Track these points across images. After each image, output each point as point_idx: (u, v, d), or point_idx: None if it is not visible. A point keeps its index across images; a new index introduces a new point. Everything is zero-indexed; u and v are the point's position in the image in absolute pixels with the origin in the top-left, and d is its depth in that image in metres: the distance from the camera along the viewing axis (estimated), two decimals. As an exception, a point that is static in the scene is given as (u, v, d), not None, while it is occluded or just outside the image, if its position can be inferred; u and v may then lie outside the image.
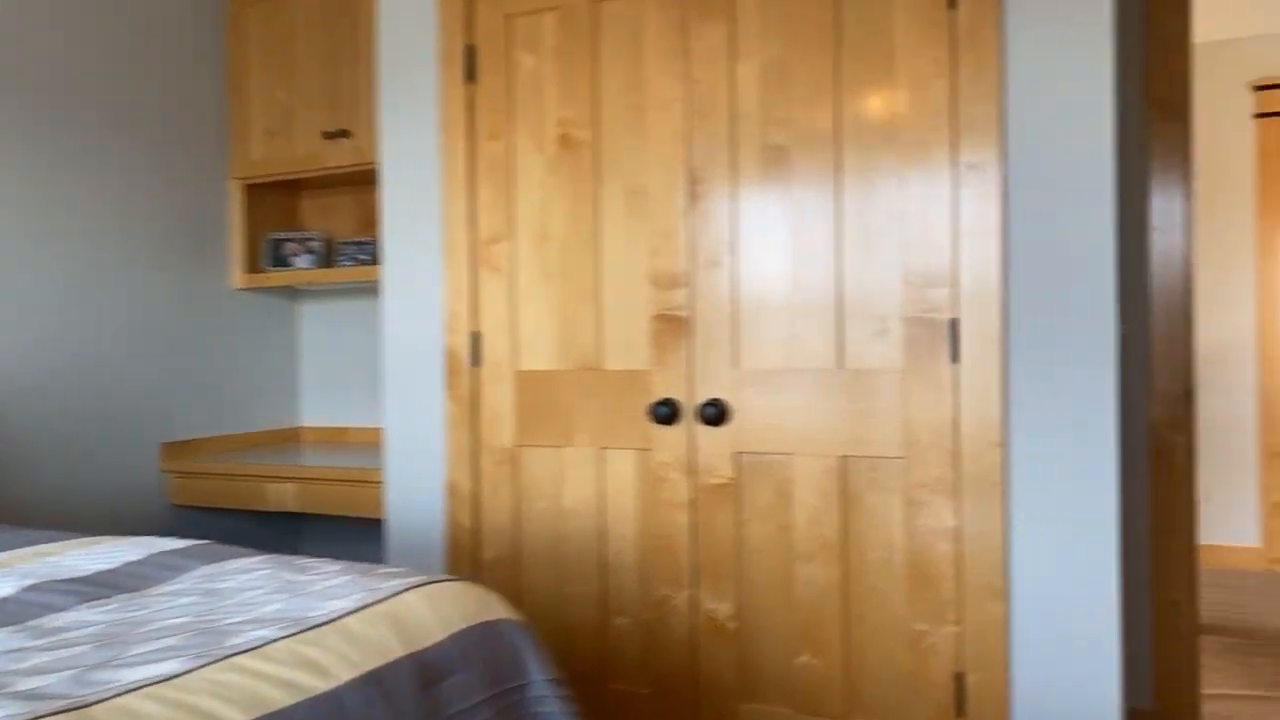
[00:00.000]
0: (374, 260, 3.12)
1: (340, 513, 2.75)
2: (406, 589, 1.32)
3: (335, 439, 3.40)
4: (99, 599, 1.32)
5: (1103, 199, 1.87)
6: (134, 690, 0.96)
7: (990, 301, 1.93)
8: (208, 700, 0.96)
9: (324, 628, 1.16)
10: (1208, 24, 4.51)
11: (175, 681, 0.99)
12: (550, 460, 2.33)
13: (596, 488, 2.28)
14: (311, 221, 3.41)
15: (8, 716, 0.87)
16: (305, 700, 1.02)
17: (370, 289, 3.31)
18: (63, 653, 1.09)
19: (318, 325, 3.44)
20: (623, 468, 2.25)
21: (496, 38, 2.38)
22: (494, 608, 1.39)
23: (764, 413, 2.11)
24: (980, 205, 1.93)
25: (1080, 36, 1.87)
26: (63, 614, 1.25)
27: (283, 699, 1.01)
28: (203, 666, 1.02)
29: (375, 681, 1.12)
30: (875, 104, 2.02)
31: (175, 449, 2.99)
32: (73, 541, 1.68)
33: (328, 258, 3.29)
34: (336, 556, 3.38)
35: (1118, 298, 1.89)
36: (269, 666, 1.05)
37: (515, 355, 2.37)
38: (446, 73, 2.42)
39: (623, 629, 2.26)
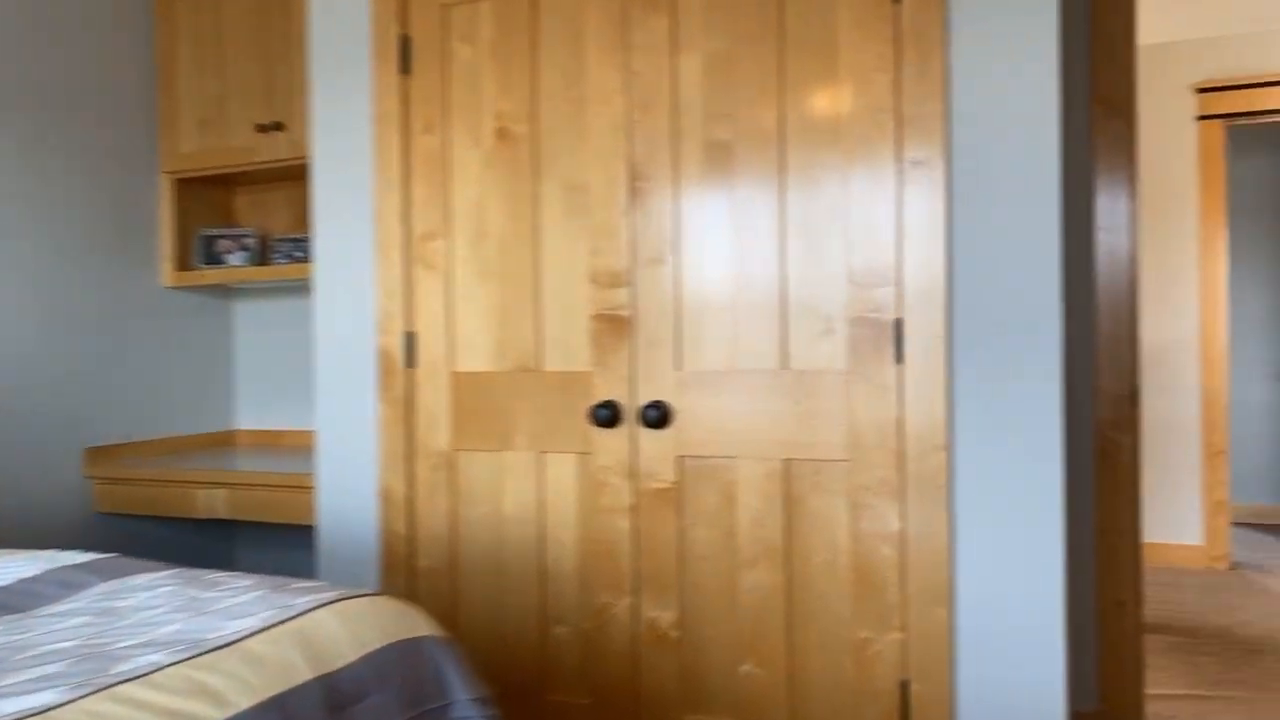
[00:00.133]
0: (310, 258, 3.02)
1: (273, 520, 2.65)
2: (319, 605, 1.25)
3: (272, 442, 3.29)
4: (-15, 620, 1.23)
5: (1048, 197, 1.84)
6: (1, 726, 0.87)
7: (935, 301, 1.89)
8: (84, 735, 0.88)
9: (223, 650, 1.08)
10: (1151, 26, 4.55)
11: (50, 714, 0.90)
12: (488, 464, 2.26)
13: (536, 493, 2.21)
14: (246, 217, 3.30)
15: None
16: (196, 732, 0.94)
17: (307, 287, 3.20)
18: (-69, 683, 1.00)
19: (253, 325, 3.33)
20: (562, 472, 2.19)
21: (432, 28, 2.30)
22: (415, 624, 1.32)
23: (707, 415, 2.06)
24: (925, 203, 1.90)
25: (1025, 33, 1.84)
26: (-58, 637, 1.16)
27: (170, 731, 0.93)
28: (82, 697, 0.94)
29: (278, 708, 1.04)
30: (819, 99, 1.97)
31: (99, 454, 2.87)
32: (-31, 555, 1.58)
33: (263, 255, 3.18)
34: (271, 565, 3.28)
35: (1063, 297, 1.86)
36: (157, 696, 0.97)
37: (451, 356, 2.29)
38: (380, 64, 2.34)
39: (562, 638, 2.19)
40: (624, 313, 2.12)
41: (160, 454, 3.05)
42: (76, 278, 2.83)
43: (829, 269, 1.97)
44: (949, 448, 1.89)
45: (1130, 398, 2.54)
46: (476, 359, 2.27)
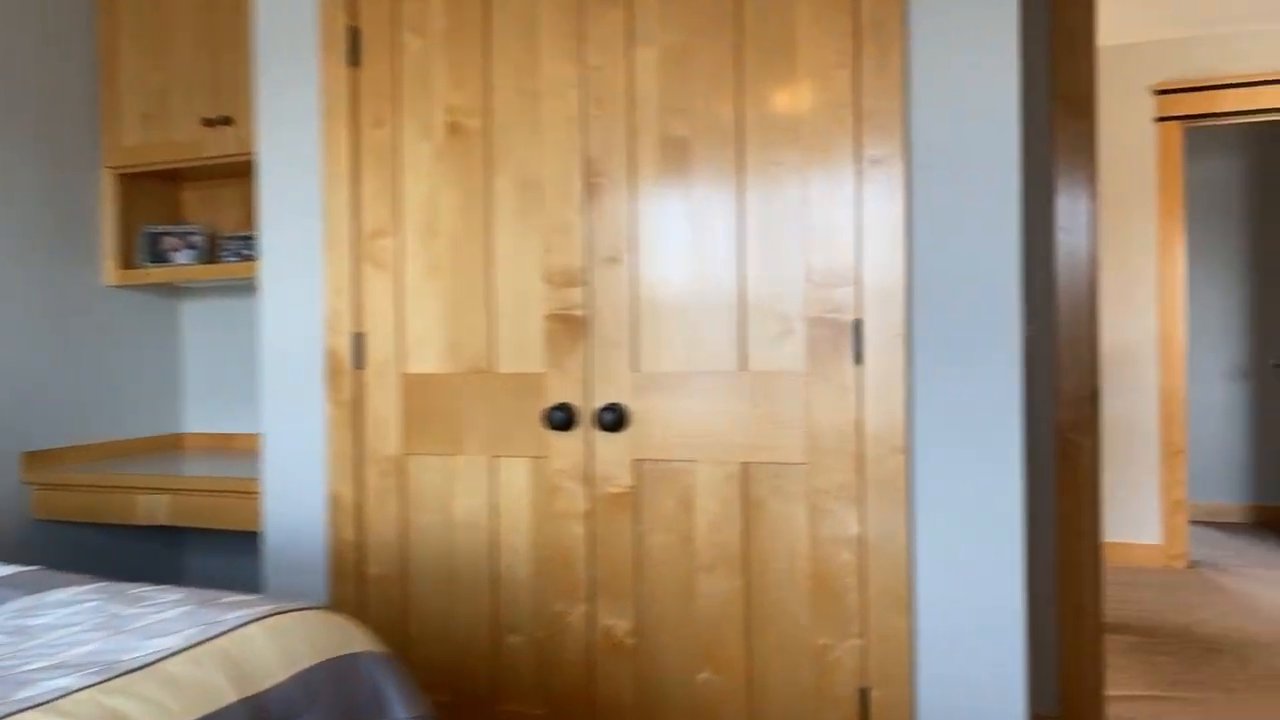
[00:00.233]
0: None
1: (218, 526, 2.56)
2: (249, 621, 1.18)
3: (221, 446, 3.20)
4: (-112, 640, 1.15)
5: (1008, 196, 1.81)
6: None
7: (894, 301, 1.85)
8: (-23, 769, 0.81)
9: (139, 672, 1.01)
10: (1110, 27, 4.57)
11: (-60, 747, 0.84)
12: (439, 469, 2.20)
13: (488, 498, 2.15)
14: (194, 214, 3.21)
15: None
16: (103, 762, 0.88)
17: (257, 287, 3.12)
18: None
19: (202, 325, 3.23)
20: (516, 477, 2.13)
21: (381, 19, 2.23)
22: (352, 638, 1.26)
23: (665, 418, 2.01)
24: (884, 202, 1.86)
25: (985, 29, 1.81)
26: None
27: (74, 763, 0.86)
28: (-22, 727, 0.87)
29: (197, 733, 0.98)
30: (778, 95, 1.93)
31: (38, 458, 2.77)
32: (-119, 569, 1.49)
33: (211, 253, 3.09)
34: (220, 572, 3.18)
35: (1023, 298, 1.83)
36: (62, 724, 0.90)
37: (401, 357, 2.22)
38: (328, 56, 2.27)
39: (516, 647, 2.14)
40: (579, 312, 2.07)
41: (103, 458, 2.95)
42: (15, 276, 2.72)
43: (788, 268, 1.93)
44: (908, 450, 1.86)
45: (1090, 399, 2.53)
46: (427, 360, 2.20)
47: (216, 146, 2.82)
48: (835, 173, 1.89)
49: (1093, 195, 2.52)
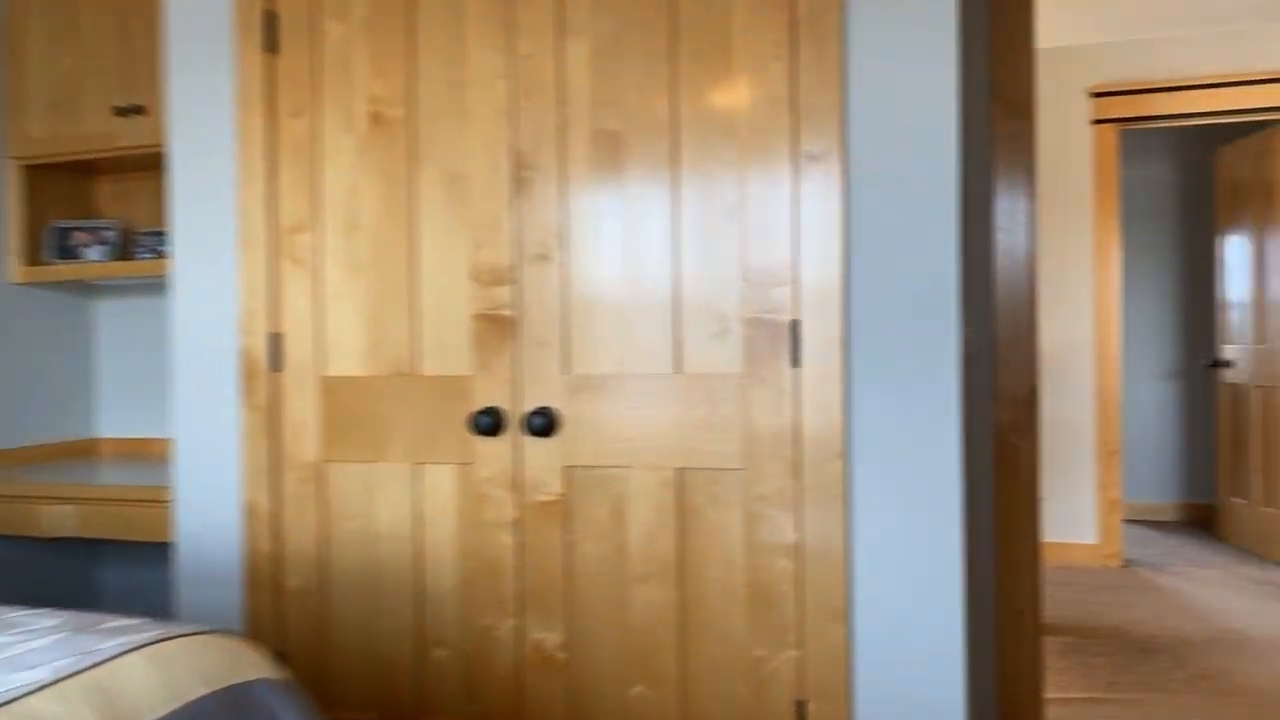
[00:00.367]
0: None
1: (129, 538, 2.43)
2: (129, 650, 1.08)
3: (137, 451, 3.05)
4: None
5: (947, 195, 1.77)
6: None
7: (832, 302, 1.80)
8: None
9: (-7, 712, 0.91)
10: (1048, 30, 4.60)
11: None
12: (361, 476, 2.09)
13: (412, 507, 2.06)
14: (109, 209, 3.05)
15: None
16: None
17: (173, 284, 2.97)
18: None
19: (116, 325, 3.08)
20: (441, 484, 2.03)
21: (300, 4, 2.12)
22: (246, 665, 1.16)
23: (597, 422, 1.93)
24: (822, 199, 1.81)
25: (925, 24, 1.77)
26: None
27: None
28: None
29: (59, 780, 0.88)
30: (713, 88, 1.87)
31: (-67, 466, 2.60)
32: None
33: (124, 249, 2.94)
34: (138, 585, 3.03)
35: (962, 298, 1.79)
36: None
37: (321, 359, 2.12)
38: (244, 42, 2.15)
39: (442, 662, 2.04)
40: (507, 312, 1.98)
41: (8, 465, 2.79)
42: (-95, 272, 2.55)
43: (724, 267, 1.87)
44: (846, 454, 1.81)
45: (1029, 400, 2.50)
46: (348, 362, 2.10)
47: (129, 137, 2.68)
48: (772, 169, 1.83)
49: (1032, 196, 2.50)
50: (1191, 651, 3.42)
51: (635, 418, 1.91)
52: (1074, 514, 4.84)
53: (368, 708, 2.09)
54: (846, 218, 1.81)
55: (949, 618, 1.76)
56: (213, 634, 1.18)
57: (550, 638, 1.96)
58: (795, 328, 1.83)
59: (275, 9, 2.13)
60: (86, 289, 3.07)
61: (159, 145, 2.65)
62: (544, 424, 1.92)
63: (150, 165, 2.88)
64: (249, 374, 2.15)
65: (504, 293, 1.98)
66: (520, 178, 1.97)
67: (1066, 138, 4.82)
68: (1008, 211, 2.51)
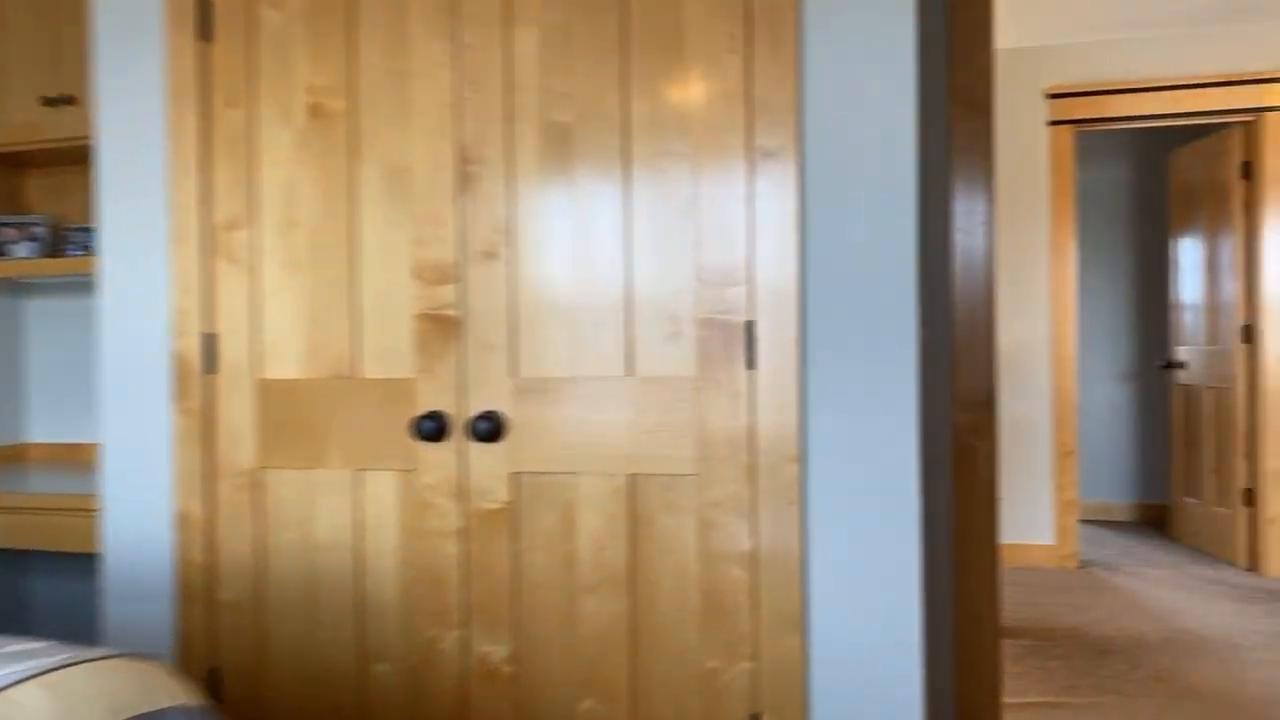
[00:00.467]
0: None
1: (58, 549, 2.31)
2: (25, 678, 0.99)
3: (68, 457, 2.92)
4: None
5: (905, 193, 1.72)
6: None
7: (787, 302, 1.75)
8: None
9: None
10: (1006, 31, 4.60)
11: None
12: (299, 484, 2.00)
13: (353, 515, 1.97)
14: (39, 204, 2.92)
15: None
16: None
17: (107, 283, 2.85)
18: None
19: (46, 325, 2.95)
20: (383, 492, 1.95)
21: (235, -12, 2.02)
22: (159, 691, 1.08)
23: (545, 427, 1.86)
24: (777, 197, 1.75)
25: (882, 17, 1.72)
26: None
27: None
28: None
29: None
30: (666, 80, 1.80)
31: None
32: None
33: (55, 246, 2.82)
34: (70, 598, 2.90)
35: (920, 299, 1.75)
36: None
37: (257, 361, 2.02)
38: (175, 29, 2.05)
39: (384, 677, 1.96)
40: (452, 312, 1.90)
41: (-73, 473, 2.65)
42: None
43: (678, 266, 1.81)
44: (802, 459, 1.75)
45: (987, 402, 2.47)
46: (286, 364, 2.01)
47: (58, 128, 2.56)
48: (727, 165, 1.77)
49: (990, 196, 2.47)
50: (1147, 653, 3.43)
51: (585, 422, 1.84)
52: (1031, 515, 4.85)
53: (306, 725, 2.00)
54: (802, 216, 1.76)
55: (907, 627, 1.71)
56: (122, 658, 1.10)
57: (497, 650, 1.88)
58: (750, 329, 1.77)
59: (209, -6, 2.04)
60: (15, 287, 2.94)
61: (88, 137, 2.53)
62: (490, 429, 1.85)
63: (82, 158, 2.76)
64: (182, 376, 2.05)
65: (448, 292, 1.90)
66: (465, 172, 1.90)
67: (1023, 139, 4.83)
68: (966, 211, 2.48)
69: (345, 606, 1.98)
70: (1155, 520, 6.06)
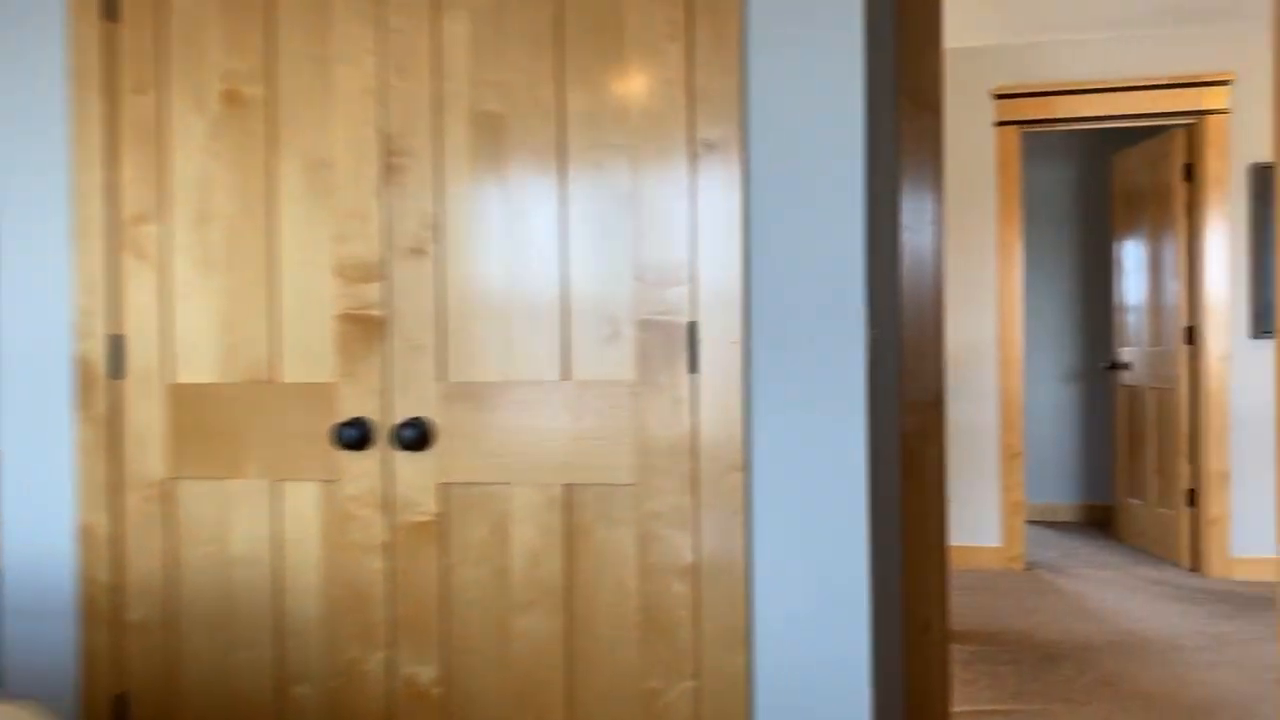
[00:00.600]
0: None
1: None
2: None
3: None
4: None
5: (852, 190, 1.65)
6: None
7: (731, 302, 1.66)
8: None
9: None
10: (954, 30, 4.58)
11: None
12: (213, 495, 1.88)
13: (271, 529, 1.85)
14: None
15: None
16: None
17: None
18: None
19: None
20: (303, 504, 1.83)
21: (144, -34, 1.89)
22: (22, 740, 0.96)
23: (476, 434, 1.76)
24: (720, 191, 1.67)
25: (828, 7, 1.64)
26: None
27: None
28: None
29: None
30: (603, 69, 1.71)
31: None
32: None
33: (-42, 241, 2.64)
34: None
35: (867, 300, 1.67)
36: None
37: (168, 365, 1.89)
38: (78, 8, 1.91)
39: (304, 700, 1.84)
40: (376, 312, 1.79)
41: None
42: None
43: (616, 265, 1.72)
44: (746, 467, 1.67)
45: (935, 404, 2.42)
46: (199, 368, 1.88)
47: (-41, 115, 2.39)
48: (667, 157, 1.69)
49: (939, 195, 2.42)
50: (1094, 656, 3.41)
51: (518, 429, 1.74)
52: (978, 517, 4.84)
53: (221, 753, 1.87)
54: (747, 213, 1.68)
55: (855, 641, 1.64)
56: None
57: (424, 671, 1.78)
58: (693, 330, 1.68)
59: (115, -28, 1.90)
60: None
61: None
62: (416, 436, 1.74)
63: (-12, 148, 2.59)
64: (85, 381, 1.91)
65: (372, 290, 1.79)
66: (390, 164, 1.79)
67: (970, 139, 4.82)
68: (914, 210, 2.42)
69: (263, 625, 1.85)
70: (1100, 521, 6.10)
